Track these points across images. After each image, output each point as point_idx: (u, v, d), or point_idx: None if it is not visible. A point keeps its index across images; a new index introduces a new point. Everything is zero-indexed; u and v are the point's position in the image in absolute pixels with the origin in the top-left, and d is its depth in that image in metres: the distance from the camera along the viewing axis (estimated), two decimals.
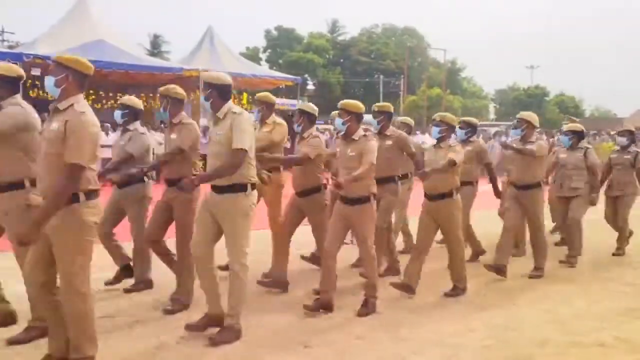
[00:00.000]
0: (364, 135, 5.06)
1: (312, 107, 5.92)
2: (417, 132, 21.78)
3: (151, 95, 20.93)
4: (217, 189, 4.28)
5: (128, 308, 5.08)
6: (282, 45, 60.36)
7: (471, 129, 7.25)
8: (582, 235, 7.19)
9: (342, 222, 5.10)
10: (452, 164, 5.37)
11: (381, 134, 6.18)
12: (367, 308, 5.05)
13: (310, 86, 58.60)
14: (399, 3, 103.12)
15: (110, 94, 19.48)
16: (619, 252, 7.68)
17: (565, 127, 7.56)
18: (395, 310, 5.20)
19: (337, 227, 5.11)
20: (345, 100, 5.33)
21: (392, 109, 6.43)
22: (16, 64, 17.49)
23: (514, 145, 6.49)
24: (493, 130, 26.73)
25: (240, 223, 4.25)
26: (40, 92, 17.60)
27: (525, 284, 6.21)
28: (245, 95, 24.52)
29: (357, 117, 5.13)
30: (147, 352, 4.13)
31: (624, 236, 7.73)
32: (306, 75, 51.36)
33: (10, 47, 33.08)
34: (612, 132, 27.27)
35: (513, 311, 5.24)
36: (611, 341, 4.49)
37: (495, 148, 22.22)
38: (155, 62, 23.08)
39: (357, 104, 5.19)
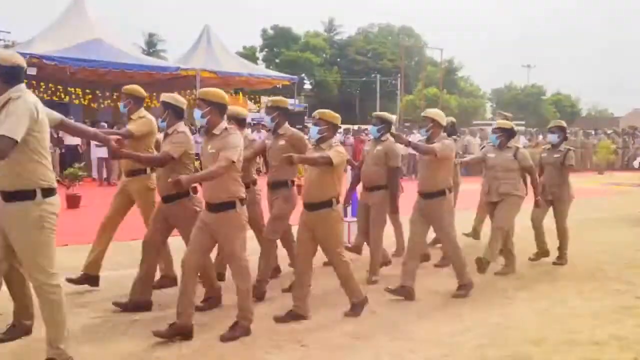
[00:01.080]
0: (226, 129, 4.36)
1: (177, 99, 5.08)
2: (414, 131, 21.80)
3: (148, 94, 20.88)
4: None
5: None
6: (278, 45, 60.29)
7: (385, 125, 6.33)
8: (509, 244, 6.61)
9: (205, 232, 4.35)
10: (329, 162, 4.68)
11: (275, 132, 5.69)
12: (234, 331, 4.38)
13: (307, 85, 58.57)
14: (395, 2, 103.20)
15: (107, 93, 19.47)
16: (560, 261, 7.06)
17: (495, 124, 6.75)
18: (392, 309, 5.22)
19: (199, 237, 4.37)
20: (204, 89, 4.61)
21: (287, 104, 5.89)
22: None
23: (410, 140, 5.74)
24: (490, 129, 26.82)
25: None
26: (36, 92, 17.60)
27: (521, 283, 6.23)
28: (241, 94, 24.52)
29: (219, 108, 4.39)
30: (145, 351, 4.13)
31: (565, 244, 7.12)
32: (303, 75, 51.33)
33: (6, 46, 32.96)
34: (608, 131, 27.38)
35: (509, 310, 5.26)
36: (606, 339, 4.50)
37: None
38: (152, 61, 23.05)
39: (217, 92, 4.44)
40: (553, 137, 7.11)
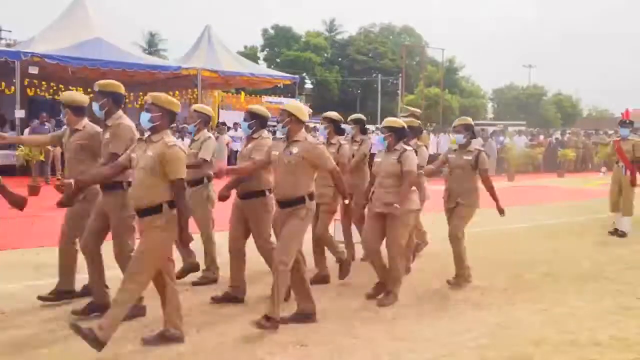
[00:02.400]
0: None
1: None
2: None
3: (149, 93, 20.88)
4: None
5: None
6: (279, 44, 60.28)
7: (257, 120, 5.40)
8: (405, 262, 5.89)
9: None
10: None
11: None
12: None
13: (308, 85, 58.57)
14: (396, 2, 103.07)
15: None
16: (456, 280, 6.06)
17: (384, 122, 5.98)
18: (391, 309, 5.22)
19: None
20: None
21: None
22: (13, 62, 17.50)
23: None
24: (491, 129, 26.80)
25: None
26: (38, 90, 17.62)
27: (521, 283, 6.23)
28: (242, 94, 24.53)
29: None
30: (145, 350, 4.13)
31: (460, 259, 6.13)
32: (304, 74, 51.32)
33: (7, 45, 32.95)
34: (609, 132, 27.37)
35: (509, 310, 5.26)
36: (606, 340, 4.51)
37: (493, 147, 22.40)
38: (153, 60, 23.07)
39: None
40: (459, 138, 6.23)
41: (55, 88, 17.93)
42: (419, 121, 6.66)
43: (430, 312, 5.16)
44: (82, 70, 18.24)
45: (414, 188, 5.52)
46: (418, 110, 7.37)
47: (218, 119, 25.74)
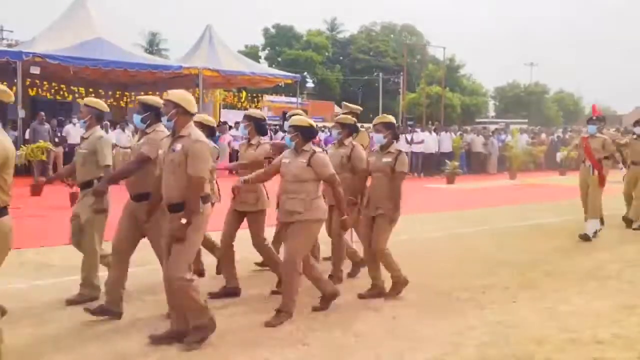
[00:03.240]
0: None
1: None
2: (417, 129, 21.77)
3: (150, 93, 20.90)
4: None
5: (127, 307, 5.09)
6: (280, 43, 60.28)
7: (152, 112, 4.89)
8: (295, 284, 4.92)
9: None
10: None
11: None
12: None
13: (310, 84, 58.56)
14: (397, 1, 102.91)
15: (110, 92, 19.51)
16: (392, 287, 5.56)
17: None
18: (393, 307, 5.22)
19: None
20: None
21: (102, 106, 5.55)
22: (15, 62, 17.51)
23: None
24: (493, 127, 26.76)
25: None
26: (39, 90, 17.64)
27: (523, 282, 6.22)
28: (244, 93, 24.53)
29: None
30: (146, 350, 4.13)
31: (391, 268, 5.53)
32: (305, 73, 51.31)
33: (9, 45, 32.99)
34: (612, 130, 27.30)
35: (511, 309, 5.26)
36: (608, 338, 4.50)
37: (495, 145, 22.37)
38: (155, 60, 23.09)
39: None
40: (378, 137, 5.59)
41: (56, 88, 17.97)
42: (354, 119, 6.17)
43: (431, 311, 5.15)
44: (83, 70, 18.27)
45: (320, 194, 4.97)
46: (358, 108, 6.97)
47: (220, 118, 25.78)
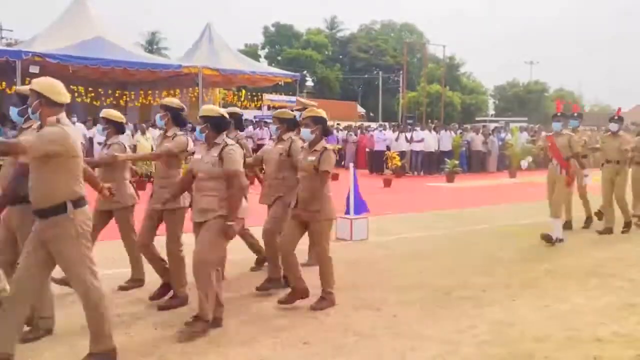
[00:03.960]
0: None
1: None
2: (417, 128, 21.77)
3: (150, 92, 20.91)
4: None
5: (126, 304, 5.10)
6: (280, 42, 60.30)
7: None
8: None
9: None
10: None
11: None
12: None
13: (309, 83, 58.55)
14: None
15: (110, 91, 19.49)
16: (321, 299, 5.14)
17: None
18: (393, 306, 5.22)
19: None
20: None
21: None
22: (14, 61, 17.46)
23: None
24: (492, 126, 26.76)
25: None
26: None
27: (523, 280, 6.22)
28: (244, 92, 24.51)
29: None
30: (147, 348, 4.14)
31: (326, 280, 5.15)
32: (305, 72, 51.31)
33: (8, 44, 32.97)
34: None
35: (512, 307, 5.26)
36: (609, 336, 4.50)
37: (495, 143, 22.37)
38: (154, 59, 23.07)
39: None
40: (305, 133, 5.15)
41: None
42: (294, 113, 5.83)
43: (432, 310, 5.16)
44: (83, 69, 18.25)
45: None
46: (312, 103, 6.39)
47: None
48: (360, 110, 50.15)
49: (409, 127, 22.36)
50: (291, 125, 5.70)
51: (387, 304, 5.27)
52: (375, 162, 19.86)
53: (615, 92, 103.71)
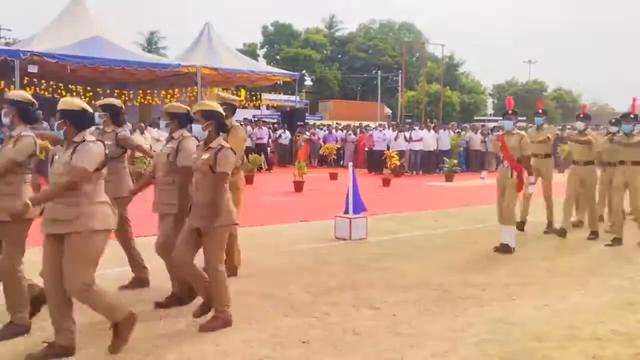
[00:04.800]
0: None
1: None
2: (415, 127, 21.77)
3: (148, 91, 20.90)
4: None
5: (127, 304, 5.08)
6: (279, 41, 60.31)
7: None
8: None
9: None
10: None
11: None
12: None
13: (308, 82, 58.55)
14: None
15: (108, 91, 19.50)
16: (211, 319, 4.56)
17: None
18: (393, 305, 5.21)
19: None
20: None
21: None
22: (13, 61, 17.51)
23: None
24: (491, 125, 26.75)
25: None
26: (37, 89, 17.62)
27: (523, 279, 6.22)
28: (243, 91, 24.51)
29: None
30: (146, 348, 4.13)
31: (219, 296, 4.55)
32: (304, 71, 51.33)
33: (7, 44, 32.96)
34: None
35: (511, 306, 5.26)
36: (608, 335, 4.50)
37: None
38: (153, 58, 23.07)
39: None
40: (197, 130, 4.63)
41: (54, 87, 17.96)
42: (187, 108, 5.23)
43: (431, 308, 5.15)
44: (81, 68, 18.26)
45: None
46: (235, 99, 6.08)
47: None
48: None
49: (408, 126, 22.37)
50: (183, 121, 5.00)
51: (387, 303, 5.27)
52: (374, 161, 19.87)
53: (614, 91, 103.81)
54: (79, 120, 3.88)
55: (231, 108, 5.78)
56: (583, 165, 8.41)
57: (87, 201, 3.79)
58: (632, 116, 8.15)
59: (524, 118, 40.31)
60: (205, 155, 4.45)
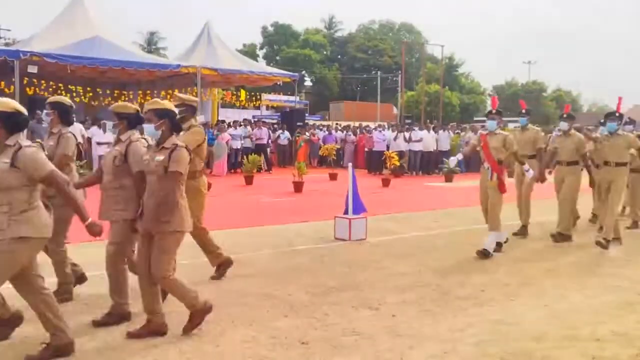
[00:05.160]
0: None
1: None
2: (415, 128, 21.77)
3: (148, 92, 20.91)
4: None
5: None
6: (279, 42, 60.33)
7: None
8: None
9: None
10: None
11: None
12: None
13: (308, 82, 58.57)
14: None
15: (108, 91, 19.50)
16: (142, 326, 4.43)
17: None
18: (392, 305, 5.22)
19: None
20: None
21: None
22: (13, 61, 17.53)
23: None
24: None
25: None
26: (37, 89, 17.64)
27: (522, 279, 6.23)
28: (243, 92, 24.53)
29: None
30: (145, 349, 4.13)
31: (183, 300, 4.42)
32: (303, 72, 51.35)
33: (6, 44, 32.96)
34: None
35: (510, 306, 5.26)
36: (608, 335, 4.50)
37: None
38: (153, 59, 23.07)
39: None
40: (149, 129, 4.47)
41: (54, 87, 17.96)
42: (137, 108, 4.85)
43: (430, 309, 5.15)
44: (81, 69, 18.25)
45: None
46: (194, 100, 5.87)
47: (218, 116, 25.77)
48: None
49: (408, 126, 22.38)
50: (133, 122, 4.68)
51: (386, 303, 5.27)
52: (374, 162, 19.87)
53: (614, 92, 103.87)
54: (11, 122, 3.67)
55: (191, 109, 5.64)
56: (566, 166, 8.18)
57: (24, 207, 3.64)
58: (617, 115, 7.98)
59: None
60: (160, 157, 4.25)
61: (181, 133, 5.13)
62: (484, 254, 7.07)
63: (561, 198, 8.14)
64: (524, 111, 8.88)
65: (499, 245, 7.32)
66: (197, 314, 4.42)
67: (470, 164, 21.62)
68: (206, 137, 5.87)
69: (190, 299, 4.39)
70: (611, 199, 7.73)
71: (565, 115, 8.37)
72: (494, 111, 7.49)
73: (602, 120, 8.49)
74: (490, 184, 7.18)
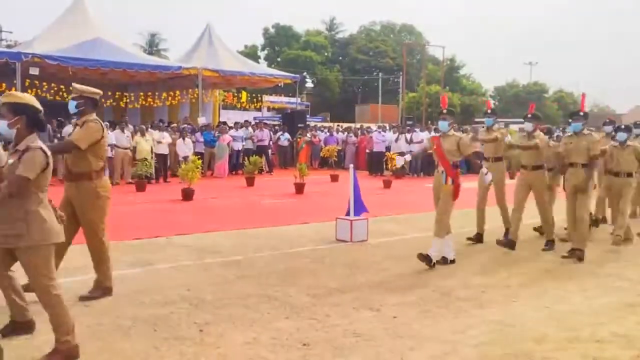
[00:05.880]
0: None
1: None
2: (416, 129, 21.78)
3: (150, 93, 20.92)
4: None
5: (127, 308, 5.10)
6: (280, 43, 60.33)
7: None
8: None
9: None
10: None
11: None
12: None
13: (309, 84, 58.58)
14: (397, 0, 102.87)
15: (109, 93, 19.53)
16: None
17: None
18: (393, 307, 5.22)
19: None
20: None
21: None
22: (14, 63, 17.56)
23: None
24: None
25: None
26: (39, 91, 17.67)
27: (523, 280, 6.23)
28: (244, 93, 24.54)
29: None
30: (147, 350, 4.14)
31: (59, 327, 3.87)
32: (305, 73, 51.38)
33: (8, 46, 33.02)
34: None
35: (511, 308, 5.27)
36: (608, 336, 4.51)
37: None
38: (154, 60, 23.11)
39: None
40: (2, 126, 3.85)
41: (55, 89, 18.00)
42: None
43: (431, 310, 5.16)
44: (82, 70, 18.28)
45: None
46: (96, 92, 5.39)
47: (219, 118, 25.80)
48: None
49: (409, 128, 22.38)
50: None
51: (387, 304, 5.28)
52: (375, 163, 19.87)
53: (614, 93, 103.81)
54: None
55: (90, 102, 5.20)
56: (531, 170, 7.79)
57: None
58: (581, 114, 7.49)
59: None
60: (11, 160, 3.72)
61: (75, 129, 5.09)
62: (424, 258, 6.58)
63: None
64: (489, 111, 8.47)
65: (428, 258, 6.60)
66: (61, 353, 3.79)
67: (471, 166, 21.67)
68: (106, 133, 5.36)
69: (63, 322, 3.82)
70: (579, 205, 7.37)
71: (529, 116, 7.85)
72: (444, 111, 6.93)
73: (606, 120, 8.25)
74: (444, 188, 6.74)
